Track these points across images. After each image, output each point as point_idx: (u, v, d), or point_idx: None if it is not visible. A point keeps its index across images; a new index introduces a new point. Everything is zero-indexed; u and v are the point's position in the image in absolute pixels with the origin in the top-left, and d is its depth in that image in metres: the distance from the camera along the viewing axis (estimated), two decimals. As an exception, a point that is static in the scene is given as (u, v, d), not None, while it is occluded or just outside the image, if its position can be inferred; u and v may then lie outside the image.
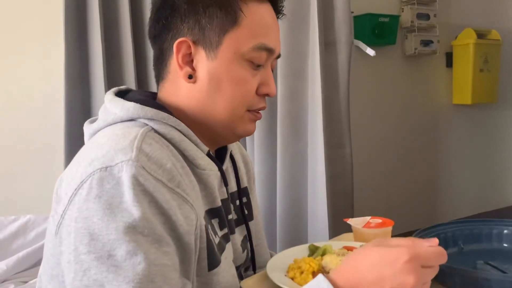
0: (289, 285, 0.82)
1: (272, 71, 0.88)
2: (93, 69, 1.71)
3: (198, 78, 0.81)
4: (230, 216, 0.89)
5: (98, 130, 0.80)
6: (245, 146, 1.79)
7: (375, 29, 2.50)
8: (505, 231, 1.10)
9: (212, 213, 0.82)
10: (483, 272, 0.96)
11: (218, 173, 0.84)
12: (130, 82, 1.72)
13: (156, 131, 0.76)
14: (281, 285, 0.82)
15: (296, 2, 1.71)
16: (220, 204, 0.84)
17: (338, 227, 1.59)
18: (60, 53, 1.68)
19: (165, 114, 0.78)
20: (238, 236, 0.93)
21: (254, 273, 0.98)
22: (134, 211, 0.65)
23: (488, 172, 3.14)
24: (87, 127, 0.83)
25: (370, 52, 1.89)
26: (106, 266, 0.63)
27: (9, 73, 1.83)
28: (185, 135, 0.79)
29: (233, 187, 0.95)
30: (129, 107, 0.78)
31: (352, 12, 1.94)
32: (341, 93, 1.75)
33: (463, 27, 2.87)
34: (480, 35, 2.85)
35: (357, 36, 2.10)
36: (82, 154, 0.74)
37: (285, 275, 0.87)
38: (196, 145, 0.80)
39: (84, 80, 1.73)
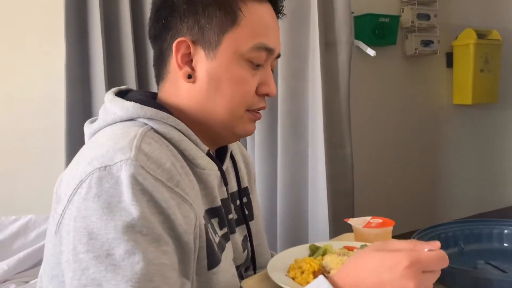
0: (290, 285, 0.82)
1: (273, 71, 0.88)
2: (94, 70, 1.71)
3: (197, 78, 0.81)
4: (230, 216, 0.89)
5: (98, 130, 0.80)
6: (245, 146, 1.79)
7: (375, 30, 2.50)
8: (506, 231, 1.11)
9: (211, 212, 0.82)
10: (484, 272, 0.96)
11: (218, 173, 0.84)
12: (131, 82, 1.72)
13: (155, 131, 0.76)
14: (282, 285, 0.82)
15: (296, 2, 1.71)
16: (220, 203, 0.84)
17: (338, 227, 1.59)
18: (60, 53, 1.68)
19: (165, 114, 0.78)
20: (238, 235, 0.93)
21: (255, 273, 0.97)
22: (133, 210, 0.65)
23: (489, 172, 3.14)
24: (88, 127, 0.83)
25: (371, 52, 1.89)
26: (104, 265, 0.63)
27: (10, 73, 1.83)
28: (184, 135, 0.79)
29: (233, 187, 0.95)
30: (129, 107, 0.78)
31: (353, 13, 1.94)
32: (341, 94, 1.75)
33: (464, 27, 2.87)
34: (481, 35, 2.84)
35: (357, 37, 2.10)
36: (82, 154, 0.74)
37: (286, 275, 0.87)
38: (196, 144, 0.80)
39: (84, 80, 1.72)
